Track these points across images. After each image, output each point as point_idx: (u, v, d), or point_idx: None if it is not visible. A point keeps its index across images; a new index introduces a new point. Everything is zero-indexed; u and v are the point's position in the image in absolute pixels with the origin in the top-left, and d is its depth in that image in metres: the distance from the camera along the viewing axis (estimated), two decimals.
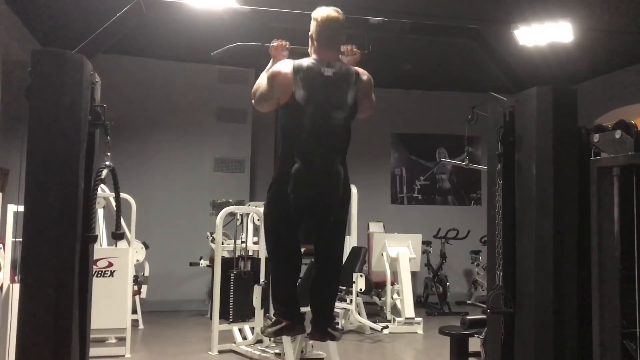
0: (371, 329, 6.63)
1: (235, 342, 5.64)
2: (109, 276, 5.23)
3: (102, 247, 5.69)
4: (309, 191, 2.81)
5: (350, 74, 2.82)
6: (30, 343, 2.51)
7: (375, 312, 7.72)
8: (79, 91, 2.61)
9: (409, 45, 7.25)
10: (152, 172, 8.31)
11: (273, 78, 2.83)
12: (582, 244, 2.86)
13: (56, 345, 2.53)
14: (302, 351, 4.95)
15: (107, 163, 2.83)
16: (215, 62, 8.26)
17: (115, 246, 5.58)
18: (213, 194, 7.66)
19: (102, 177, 3.58)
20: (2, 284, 4.39)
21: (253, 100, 3.01)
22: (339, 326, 6.75)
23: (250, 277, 5.83)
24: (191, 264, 7.65)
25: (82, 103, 2.64)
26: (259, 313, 5.42)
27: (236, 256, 6.18)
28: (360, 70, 2.92)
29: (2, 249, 4.68)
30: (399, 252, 7.34)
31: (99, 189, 4.91)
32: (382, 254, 7.44)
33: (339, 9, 2.90)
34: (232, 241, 6.51)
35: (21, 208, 2.60)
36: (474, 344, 3.84)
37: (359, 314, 6.72)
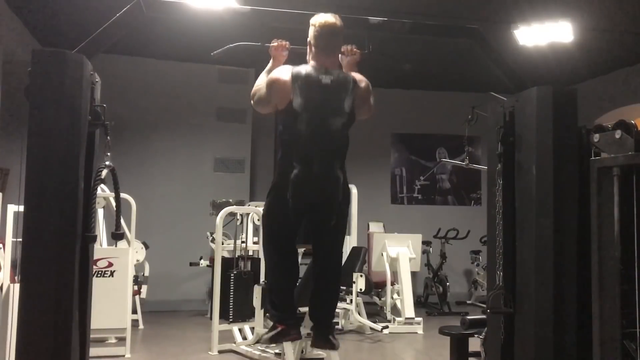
0: (371, 329, 6.63)
1: (235, 342, 5.64)
2: (109, 276, 5.22)
3: (102, 247, 5.69)
4: (308, 196, 2.83)
5: (348, 81, 2.84)
6: (30, 343, 2.51)
7: (375, 312, 7.72)
8: (79, 91, 2.61)
9: (409, 45, 7.26)
10: (152, 172, 8.31)
11: (271, 84, 2.85)
12: (582, 244, 2.86)
13: (56, 345, 2.53)
14: (302, 351, 4.95)
15: (107, 163, 2.83)
16: (215, 62, 8.26)
17: (115, 246, 5.58)
18: (213, 194, 7.66)
19: (102, 177, 3.58)
20: (2, 284, 4.39)
21: (252, 102, 3.02)
22: (339, 326, 6.76)
23: (250, 277, 5.83)
24: (191, 264, 7.66)
25: (82, 103, 2.64)
26: (259, 313, 5.42)
27: (236, 256, 6.18)
28: (358, 76, 2.93)
29: (2, 249, 4.68)
30: (399, 252, 7.33)
31: (99, 189, 4.91)
32: (382, 254, 7.44)
33: (337, 15, 2.91)
34: (232, 241, 6.51)
35: (21, 208, 2.60)
36: (474, 344, 3.84)
37: (359, 314, 6.72)
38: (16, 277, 4.08)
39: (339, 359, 4.80)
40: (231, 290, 5.64)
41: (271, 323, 3.11)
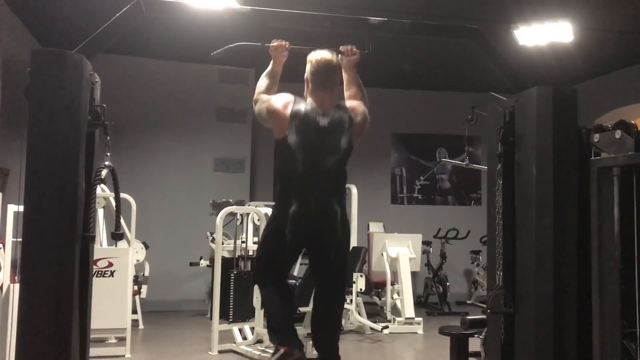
0: (371, 329, 6.63)
1: (235, 342, 5.64)
2: (109, 276, 5.22)
3: (102, 247, 5.69)
4: (306, 232, 2.86)
5: (344, 121, 2.89)
6: (30, 343, 2.51)
7: (375, 312, 7.72)
8: (79, 91, 2.61)
9: (409, 45, 7.26)
10: (152, 172, 8.30)
11: (271, 112, 2.90)
12: (582, 244, 2.86)
13: (56, 345, 2.53)
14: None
15: (107, 163, 2.83)
16: (215, 62, 8.26)
17: (115, 246, 5.58)
18: (213, 194, 7.66)
19: (102, 177, 3.58)
20: (2, 284, 4.39)
21: (254, 107, 3.04)
22: None
23: (250, 277, 5.82)
24: (191, 264, 7.65)
25: (82, 103, 2.64)
26: (259, 313, 5.42)
27: (236, 256, 6.17)
28: (354, 110, 2.96)
29: (2, 249, 4.68)
30: (399, 252, 7.33)
31: (99, 189, 4.91)
32: (382, 254, 7.43)
33: (333, 52, 2.96)
34: (232, 241, 6.50)
35: (21, 208, 2.60)
36: (474, 344, 3.84)
37: (359, 314, 6.72)
38: (16, 277, 4.08)
39: None
40: (231, 290, 5.64)
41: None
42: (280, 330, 3.02)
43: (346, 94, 3.13)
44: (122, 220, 3.22)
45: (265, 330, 3.34)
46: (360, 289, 6.58)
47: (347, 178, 3.07)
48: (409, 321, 6.84)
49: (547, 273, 2.83)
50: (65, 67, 2.59)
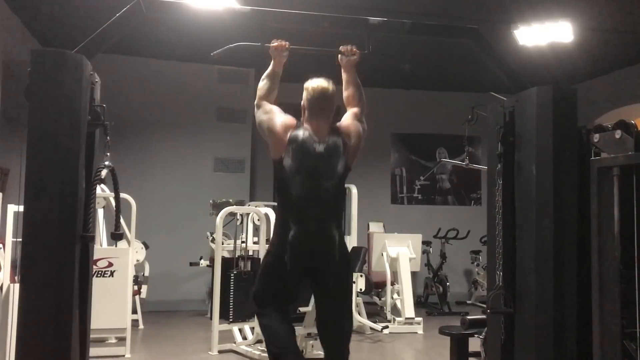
0: (371, 329, 6.63)
1: (235, 342, 5.64)
2: (109, 276, 5.22)
3: (102, 247, 5.69)
4: (306, 257, 2.85)
5: (339, 146, 2.91)
6: (30, 343, 2.51)
7: (375, 312, 7.72)
8: (79, 91, 2.61)
9: (409, 45, 7.25)
10: (152, 172, 8.30)
11: (271, 131, 2.92)
12: (582, 244, 2.86)
13: (56, 345, 2.53)
14: (302, 351, 4.95)
15: (107, 163, 2.83)
16: (215, 62, 8.26)
17: (115, 246, 5.58)
18: (213, 194, 7.66)
19: (102, 177, 3.58)
20: (2, 284, 4.39)
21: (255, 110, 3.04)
22: None
23: (250, 277, 5.83)
24: (191, 264, 7.65)
25: (82, 103, 2.64)
26: None
27: (236, 256, 6.17)
28: (348, 134, 2.96)
29: (2, 249, 4.68)
30: (399, 252, 7.33)
31: (99, 189, 4.91)
32: (382, 254, 7.43)
33: (330, 80, 2.98)
34: (232, 241, 6.50)
35: (21, 208, 2.60)
36: (474, 344, 3.84)
37: (359, 314, 6.72)
38: (16, 277, 4.08)
39: None
40: (231, 290, 5.64)
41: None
42: (281, 354, 2.92)
43: (344, 93, 3.13)
44: (122, 220, 3.22)
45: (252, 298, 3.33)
46: (360, 289, 6.58)
47: (347, 179, 3.08)
48: (409, 321, 6.84)
49: (547, 273, 2.83)
50: (65, 67, 2.59)
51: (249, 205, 7.32)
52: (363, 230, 8.29)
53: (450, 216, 9.54)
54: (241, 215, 6.58)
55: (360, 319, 6.66)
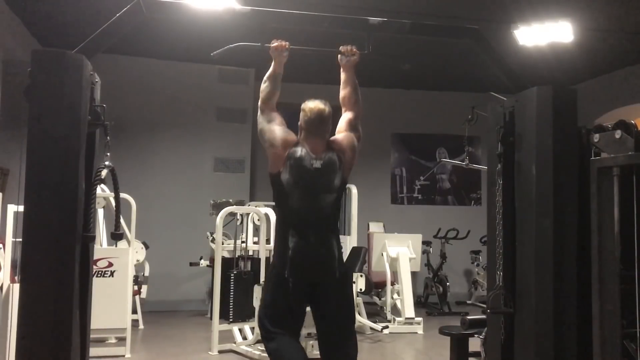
0: (371, 329, 6.63)
1: (235, 342, 5.64)
2: (109, 276, 5.22)
3: (102, 247, 5.69)
4: (307, 271, 2.84)
5: (334, 162, 2.93)
6: (30, 343, 2.51)
7: (375, 312, 7.72)
8: (79, 91, 2.61)
9: (409, 45, 7.25)
10: (152, 172, 8.31)
11: (271, 144, 2.93)
12: (582, 244, 2.86)
13: (56, 345, 2.53)
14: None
15: (107, 163, 2.83)
16: (215, 62, 8.26)
17: (115, 246, 5.58)
18: (213, 194, 7.66)
19: (102, 177, 3.58)
20: (2, 284, 4.39)
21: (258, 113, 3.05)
22: None
23: (250, 277, 5.83)
24: (191, 264, 7.65)
25: (82, 103, 2.64)
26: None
27: (236, 256, 6.18)
28: (341, 148, 2.97)
29: (2, 249, 4.68)
30: (399, 252, 7.33)
31: (99, 189, 4.91)
32: (382, 254, 7.44)
33: (326, 102, 3.00)
34: (232, 241, 6.51)
35: (21, 208, 2.60)
36: (474, 344, 3.84)
37: (359, 314, 6.71)
38: (16, 277, 4.08)
39: None
40: (231, 290, 5.64)
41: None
42: None
43: (341, 93, 3.13)
44: (122, 220, 3.22)
45: (258, 321, 3.29)
46: (360, 289, 6.58)
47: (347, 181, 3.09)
48: (409, 321, 6.84)
49: (547, 273, 2.83)
50: (65, 67, 2.59)
51: (249, 205, 7.32)
52: (363, 230, 8.30)
53: (450, 216, 9.54)
54: (241, 215, 6.58)
55: (360, 319, 6.66)
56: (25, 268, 2.55)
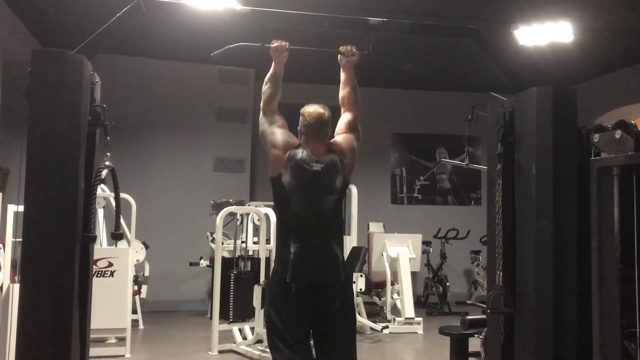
0: (371, 329, 6.63)
1: (235, 342, 5.64)
2: (109, 276, 5.23)
3: (102, 247, 5.69)
4: (309, 276, 2.80)
5: (336, 163, 2.92)
6: (30, 343, 2.51)
7: (375, 312, 7.73)
8: (79, 91, 2.61)
9: (409, 45, 7.25)
10: (152, 172, 8.31)
11: (272, 145, 2.92)
12: (582, 244, 2.86)
13: (56, 345, 2.52)
14: None
15: (107, 163, 2.83)
16: (215, 62, 8.26)
17: (115, 246, 5.58)
18: (213, 194, 7.67)
19: (102, 177, 3.58)
20: (2, 284, 4.39)
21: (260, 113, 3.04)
22: None
23: (250, 277, 5.83)
24: (191, 264, 7.66)
25: (82, 103, 2.63)
26: (259, 313, 5.42)
27: (236, 256, 6.18)
28: (342, 151, 2.96)
29: (2, 249, 4.68)
30: (399, 252, 7.34)
31: (99, 189, 4.91)
32: (382, 254, 7.44)
33: (325, 106, 2.99)
34: (232, 241, 6.51)
35: (21, 208, 2.60)
36: (474, 344, 3.84)
37: (359, 314, 6.72)
38: (16, 277, 4.08)
39: None
40: (231, 290, 5.64)
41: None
42: None
43: (340, 93, 3.12)
44: (122, 220, 3.22)
45: (265, 330, 3.27)
46: (360, 289, 6.58)
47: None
48: (409, 321, 6.85)
49: (547, 273, 2.83)
50: (65, 67, 2.59)
51: (249, 205, 7.33)
52: (363, 230, 8.30)
53: (450, 216, 9.54)
54: (241, 215, 6.58)
55: (360, 319, 6.66)
56: (25, 268, 2.55)
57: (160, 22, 5.56)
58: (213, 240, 6.87)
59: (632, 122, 2.78)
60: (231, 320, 5.62)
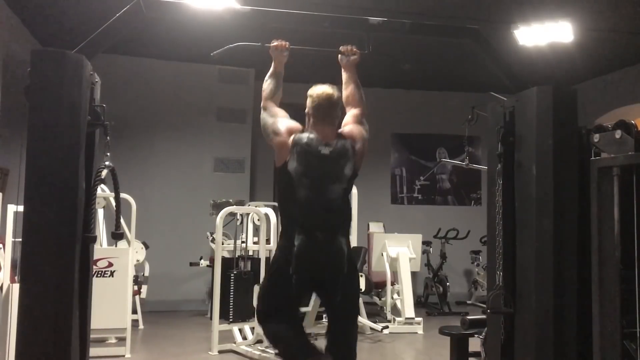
0: (371, 329, 6.63)
1: (235, 342, 5.64)
2: (109, 276, 5.22)
3: (102, 247, 5.69)
4: (312, 269, 2.75)
5: (347, 149, 2.83)
6: (30, 343, 2.51)
7: (375, 312, 7.72)
8: (79, 91, 2.61)
9: (409, 45, 7.25)
10: (152, 172, 8.31)
11: (276, 133, 2.84)
12: (582, 244, 2.86)
13: (56, 345, 2.53)
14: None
15: (107, 163, 2.83)
16: (215, 62, 8.26)
17: (115, 246, 5.58)
18: (213, 194, 7.66)
19: (102, 177, 3.58)
20: (2, 284, 4.39)
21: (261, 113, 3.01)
22: None
23: (250, 277, 5.83)
24: (191, 264, 7.66)
25: (82, 103, 2.64)
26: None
27: (236, 256, 6.18)
28: (354, 138, 2.90)
29: (2, 249, 4.68)
30: (399, 252, 7.33)
31: (99, 189, 4.91)
32: (382, 254, 7.43)
33: (334, 86, 2.90)
34: (232, 241, 6.51)
35: (21, 208, 2.60)
36: (474, 344, 3.84)
37: (359, 314, 6.72)
38: (16, 277, 4.08)
39: None
40: (231, 290, 5.64)
41: None
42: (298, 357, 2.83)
43: (344, 93, 3.10)
44: (122, 220, 3.22)
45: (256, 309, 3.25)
46: (360, 289, 6.57)
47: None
48: (409, 321, 6.84)
49: (547, 273, 2.83)
50: (65, 67, 2.59)
51: (249, 205, 7.32)
52: (363, 230, 8.29)
53: (450, 216, 9.54)
54: (241, 215, 6.58)
55: (360, 319, 6.66)
56: (25, 268, 2.55)
57: (160, 22, 5.56)
58: (213, 240, 6.86)
59: (632, 122, 2.78)
60: (231, 320, 5.62)
